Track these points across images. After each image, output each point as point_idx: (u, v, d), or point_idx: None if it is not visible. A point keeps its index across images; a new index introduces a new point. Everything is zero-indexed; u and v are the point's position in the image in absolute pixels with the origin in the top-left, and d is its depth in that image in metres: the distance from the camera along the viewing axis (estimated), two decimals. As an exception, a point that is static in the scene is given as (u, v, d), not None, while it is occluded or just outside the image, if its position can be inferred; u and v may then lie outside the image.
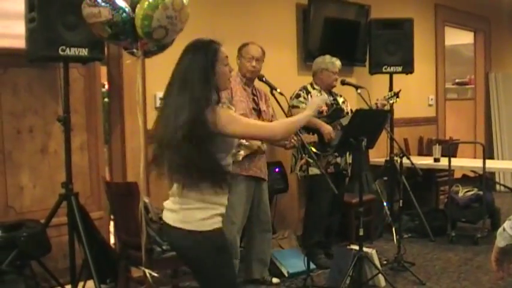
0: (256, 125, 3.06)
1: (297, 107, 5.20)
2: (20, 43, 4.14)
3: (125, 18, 3.38)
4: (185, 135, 2.65)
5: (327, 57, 5.55)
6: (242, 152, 3.27)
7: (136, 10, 3.37)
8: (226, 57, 2.88)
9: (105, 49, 4.35)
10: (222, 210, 2.84)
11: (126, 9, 3.41)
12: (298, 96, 5.37)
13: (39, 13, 3.93)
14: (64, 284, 4.33)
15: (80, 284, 4.24)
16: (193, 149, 2.67)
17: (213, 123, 2.70)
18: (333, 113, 5.38)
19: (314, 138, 4.93)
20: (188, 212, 2.77)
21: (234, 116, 2.85)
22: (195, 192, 2.75)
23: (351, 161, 5.54)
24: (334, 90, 5.61)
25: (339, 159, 5.41)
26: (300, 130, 4.11)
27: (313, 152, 4.50)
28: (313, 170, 4.98)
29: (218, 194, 2.79)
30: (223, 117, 2.74)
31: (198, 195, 2.75)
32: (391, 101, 5.50)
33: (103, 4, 3.36)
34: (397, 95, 5.54)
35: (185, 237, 2.78)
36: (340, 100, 5.59)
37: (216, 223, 2.80)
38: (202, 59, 2.79)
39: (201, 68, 2.77)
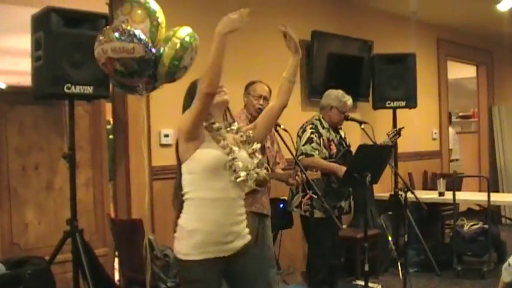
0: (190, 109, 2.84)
1: (311, 155, 4.98)
2: (27, 80, 4.18)
3: (152, 57, 3.37)
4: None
5: (340, 94, 5.20)
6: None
7: (166, 50, 3.37)
8: None
9: (110, 86, 4.38)
10: (200, 237, 2.81)
11: (153, 49, 3.39)
12: (310, 141, 5.04)
13: (46, 51, 3.98)
14: (69, 321, 4.31)
15: (85, 321, 4.22)
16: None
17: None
18: (342, 157, 5.18)
19: (317, 174, 4.81)
20: (175, 240, 2.86)
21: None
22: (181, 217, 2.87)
23: (352, 204, 5.37)
24: None
25: (342, 203, 5.20)
26: (304, 169, 4.11)
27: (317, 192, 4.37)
28: (317, 213, 4.81)
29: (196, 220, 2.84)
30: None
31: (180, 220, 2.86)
32: (393, 139, 5.49)
33: (137, 40, 3.31)
34: (399, 133, 5.50)
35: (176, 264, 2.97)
36: (342, 134, 5.41)
37: (191, 254, 2.81)
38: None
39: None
